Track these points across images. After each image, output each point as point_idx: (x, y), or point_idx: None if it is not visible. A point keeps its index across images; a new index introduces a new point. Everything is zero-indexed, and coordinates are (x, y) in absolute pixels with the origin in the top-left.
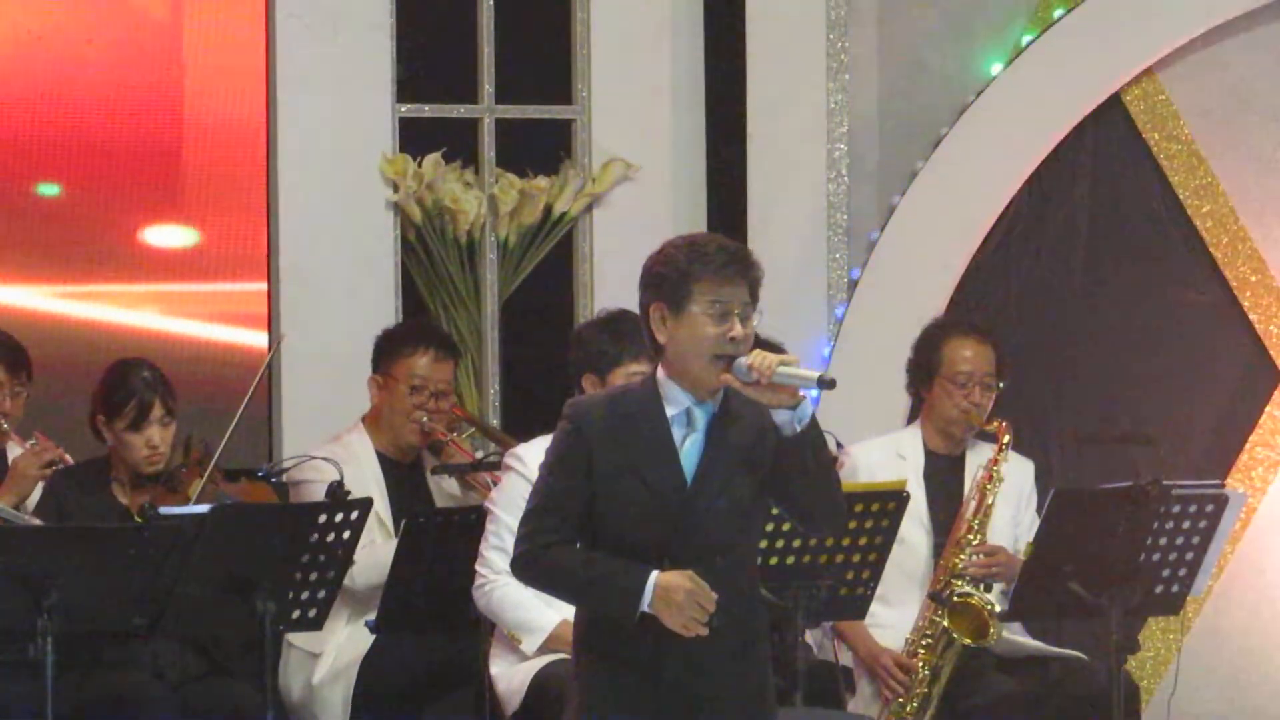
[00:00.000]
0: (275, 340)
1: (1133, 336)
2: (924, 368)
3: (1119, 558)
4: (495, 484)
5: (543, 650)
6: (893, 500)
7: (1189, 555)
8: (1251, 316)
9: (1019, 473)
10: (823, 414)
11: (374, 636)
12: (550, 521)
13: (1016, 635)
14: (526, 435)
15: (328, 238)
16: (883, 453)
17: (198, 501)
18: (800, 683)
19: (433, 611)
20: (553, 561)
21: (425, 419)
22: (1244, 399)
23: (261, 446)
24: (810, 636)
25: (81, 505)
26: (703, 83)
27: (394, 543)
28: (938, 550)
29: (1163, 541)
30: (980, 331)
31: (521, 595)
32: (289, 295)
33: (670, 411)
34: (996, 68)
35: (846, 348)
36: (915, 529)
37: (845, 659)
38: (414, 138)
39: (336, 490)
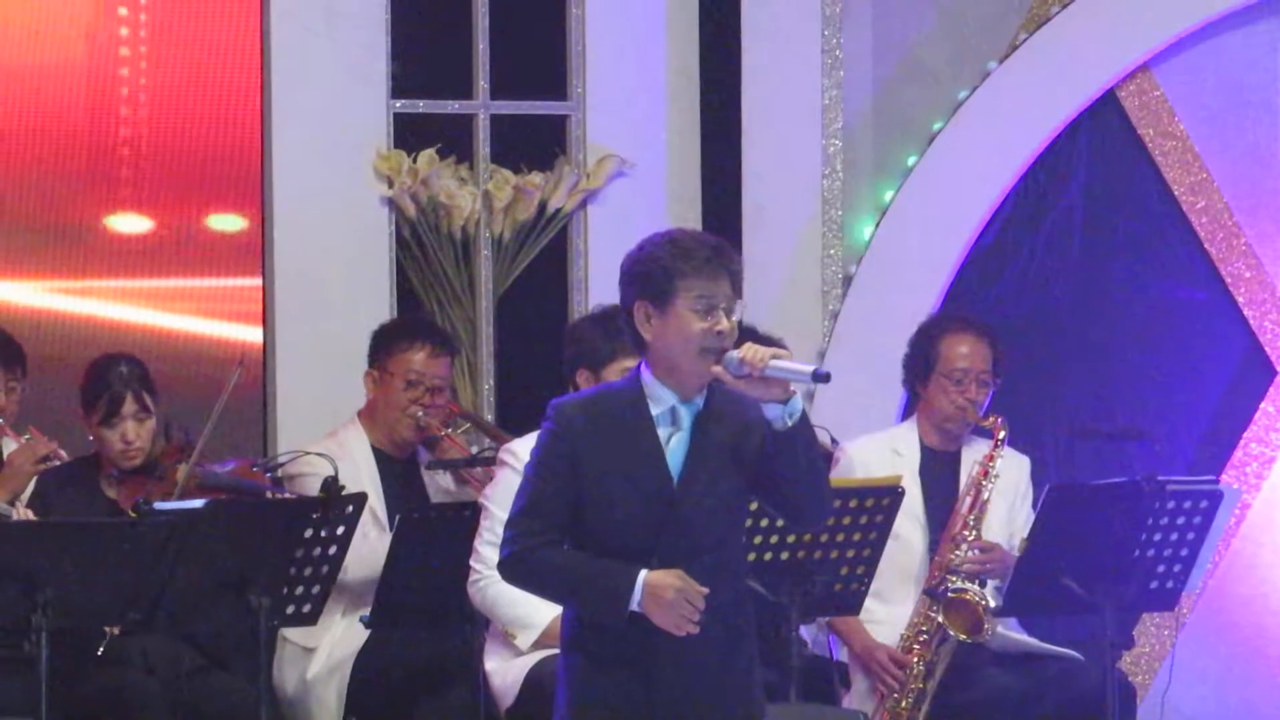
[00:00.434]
0: (236, 368)
1: (1127, 332)
2: (920, 363)
3: (1114, 553)
4: (490, 479)
5: (538, 645)
6: (887, 496)
7: (1183, 551)
8: (1246, 313)
9: (1014, 469)
10: (817, 410)
11: (368, 632)
12: (536, 524)
13: (1011, 631)
14: (521, 431)
15: (322, 233)
16: (878, 448)
17: (185, 486)
18: (795, 678)
19: (427, 607)
20: (540, 563)
21: (421, 414)
22: (1239, 395)
23: (256, 442)
24: (805, 632)
25: (69, 502)
26: (697, 79)
27: (387, 536)
28: (933, 546)
29: (1157, 537)
30: (977, 328)
31: (516, 591)
32: (283, 291)
33: (655, 410)
34: (991, 63)
35: (841, 343)
36: (910, 525)
37: (840, 654)
38: (408, 133)
39: (331, 485)
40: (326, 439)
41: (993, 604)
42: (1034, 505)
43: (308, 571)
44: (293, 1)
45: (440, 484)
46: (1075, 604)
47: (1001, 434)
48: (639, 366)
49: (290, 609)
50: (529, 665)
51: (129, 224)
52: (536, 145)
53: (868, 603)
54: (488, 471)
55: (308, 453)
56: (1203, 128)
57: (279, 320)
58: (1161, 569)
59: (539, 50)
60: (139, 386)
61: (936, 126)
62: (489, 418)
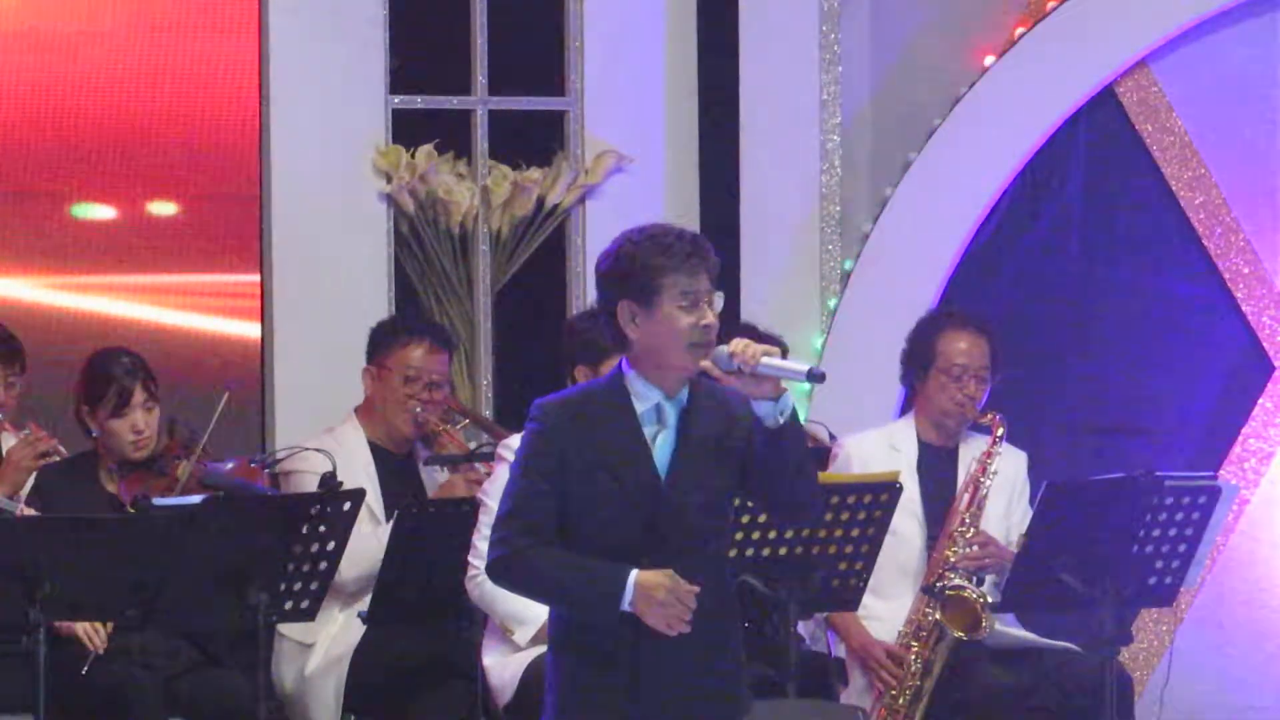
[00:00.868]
0: (224, 395)
1: (1125, 328)
2: (918, 360)
3: (1111, 549)
4: (489, 475)
5: (535, 641)
6: (885, 491)
7: (1182, 547)
8: (1245, 309)
9: (1012, 465)
10: (815, 405)
11: (366, 627)
12: (524, 525)
13: (1009, 628)
14: (519, 426)
15: (320, 229)
16: (876, 444)
17: (186, 484)
18: (793, 674)
19: (425, 603)
20: (529, 564)
21: (419, 410)
22: (1237, 391)
23: (254, 437)
24: (803, 628)
25: (69, 497)
26: (695, 74)
27: (384, 532)
28: (931, 542)
29: (1155, 533)
30: (975, 324)
31: None
32: (281, 286)
33: (640, 408)
34: (989, 59)
35: (839, 339)
36: (908, 521)
37: (838, 651)
38: (407, 129)
39: (329, 481)
40: (324, 435)
41: (990, 600)
42: (1032, 501)
43: (305, 567)
44: None
45: (438, 480)
46: (1073, 600)
47: (1000, 430)
48: (620, 364)
49: (288, 605)
50: (527, 661)
51: (127, 219)
52: (535, 141)
53: (866, 599)
54: (487, 467)
55: (306, 448)
56: (1201, 124)
57: (277, 315)
58: (1160, 564)
59: (537, 46)
60: (145, 376)
61: (935, 123)
62: (487, 413)
